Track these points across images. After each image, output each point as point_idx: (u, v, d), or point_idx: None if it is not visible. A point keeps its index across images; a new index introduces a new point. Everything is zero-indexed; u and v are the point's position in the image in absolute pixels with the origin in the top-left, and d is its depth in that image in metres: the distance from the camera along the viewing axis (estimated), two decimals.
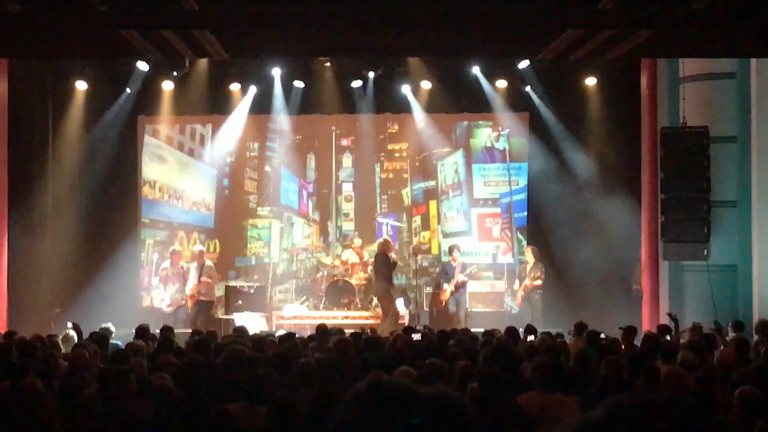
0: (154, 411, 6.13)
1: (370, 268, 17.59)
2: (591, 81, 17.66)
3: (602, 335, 11.06)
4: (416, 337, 10.58)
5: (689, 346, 9.64)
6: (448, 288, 16.61)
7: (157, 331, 11.46)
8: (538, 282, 16.47)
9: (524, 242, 18.05)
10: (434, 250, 18.74)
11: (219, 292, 17.69)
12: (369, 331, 12.72)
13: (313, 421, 5.56)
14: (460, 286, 16.70)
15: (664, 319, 14.25)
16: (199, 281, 16.42)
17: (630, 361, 8.10)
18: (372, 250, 17.80)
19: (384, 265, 16.04)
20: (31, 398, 6.28)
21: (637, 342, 10.85)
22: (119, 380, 6.52)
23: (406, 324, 14.66)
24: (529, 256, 16.78)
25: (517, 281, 16.91)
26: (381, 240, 16.65)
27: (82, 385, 6.68)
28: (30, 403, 6.21)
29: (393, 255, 16.63)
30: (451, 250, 17.09)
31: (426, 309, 17.20)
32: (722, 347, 9.94)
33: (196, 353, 8.56)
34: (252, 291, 17.16)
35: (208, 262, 16.97)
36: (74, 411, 6.12)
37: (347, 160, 19.00)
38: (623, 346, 10.31)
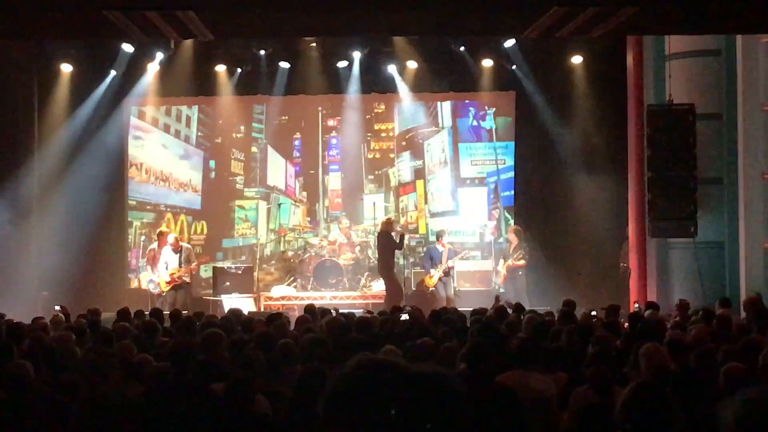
0: (142, 393, 6.12)
1: (357, 248, 17.58)
2: (577, 59, 17.63)
3: (593, 313, 11.10)
4: (404, 317, 10.58)
5: (676, 324, 9.68)
6: (435, 273, 16.48)
7: (147, 314, 11.45)
8: (522, 262, 16.43)
9: (511, 221, 18.05)
10: (422, 230, 18.72)
11: (207, 273, 17.69)
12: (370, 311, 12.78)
13: (302, 399, 5.56)
14: (447, 272, 16.61)
15: (652, 297, 14.33)
16: (180, 266, 16.27)
17: (623, 340, 8.12)
18: (358, 229, 17.90)
19: (388, 242, 16.06)
20: (19, 381, 6.24)
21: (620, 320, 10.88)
22: (103, 363, 6.51)
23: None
24: (512, 236, 16.75)
25: (501, 260, 16.91)
26: (384, 219, 16.69)
27: (69, 368, 6.67)
28: (19, 386, 6.17)
29: (398, 228, 16.62)
30: (439, 235, 16.90)
31: (414, 288, 17.16)
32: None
33: (184, 335, 8.55)
34: (240, 272, 17.13)
35: (186, 245, 16.85)
36: (61, 393, 6.10)
37: (334, 140, 18.96)
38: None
